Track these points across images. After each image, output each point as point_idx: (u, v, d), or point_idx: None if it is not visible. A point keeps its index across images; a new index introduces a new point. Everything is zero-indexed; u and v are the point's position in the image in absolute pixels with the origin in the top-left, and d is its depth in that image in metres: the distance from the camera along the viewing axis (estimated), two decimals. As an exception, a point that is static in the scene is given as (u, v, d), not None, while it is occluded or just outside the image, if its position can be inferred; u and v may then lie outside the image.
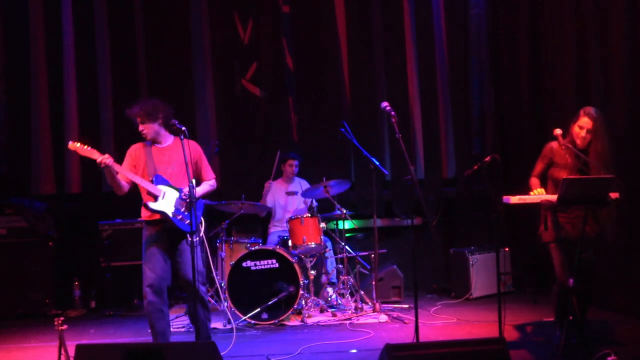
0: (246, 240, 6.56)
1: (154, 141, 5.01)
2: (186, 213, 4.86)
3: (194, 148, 5.01)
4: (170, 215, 4.82)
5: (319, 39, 7.84)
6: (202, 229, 5.03)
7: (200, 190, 4.99)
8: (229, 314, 6.07)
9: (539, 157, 4.98)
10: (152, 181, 4.85)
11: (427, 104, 7.87)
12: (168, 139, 5.07)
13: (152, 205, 4.78)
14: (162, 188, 4.85)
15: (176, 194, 4.89)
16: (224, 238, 6.52)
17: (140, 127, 4.96)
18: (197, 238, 4.77)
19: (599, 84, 6.30)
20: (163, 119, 4.96)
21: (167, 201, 4.83)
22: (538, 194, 4.69)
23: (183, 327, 6.09)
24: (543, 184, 4.90)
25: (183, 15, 7.71)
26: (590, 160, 4.72)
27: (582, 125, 4.77)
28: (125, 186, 4.90)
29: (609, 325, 5.57)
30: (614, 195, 4.57)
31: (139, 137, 7.55)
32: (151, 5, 7.70)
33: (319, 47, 7.84)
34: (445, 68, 7.92)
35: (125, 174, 4.78)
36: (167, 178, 4.92)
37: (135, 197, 6.69)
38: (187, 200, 4.77)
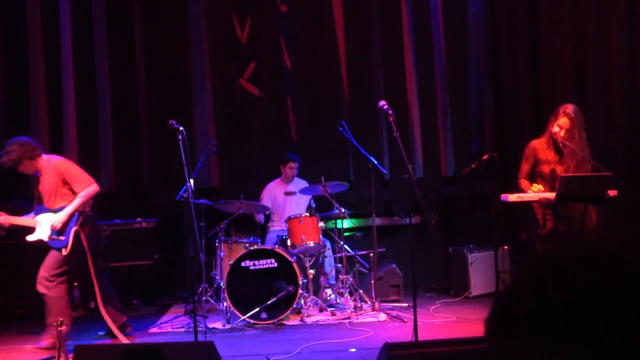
0: (245, 240, 6.55)
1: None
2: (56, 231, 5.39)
3: (55, 168, 5.41)
4: (47, 239, 5.36)
5: (317, 38, 7.84)
6: (71, 239, 5.36)
7: (71, 207, 5.32)
8: (228, 314, 6.07)
9: (523, 158, 5.01)
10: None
11: (425, 102, 7.87)
12: (41, 165, 5.46)
13: (29, 237, 5.41)
14: (40, 218, 5.40)
15: (51, 217, 5.36)
16: (222, 238, 6.51)
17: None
18: (66, 249, 5.33)
19: (597, 83, 6.32)
20: (23, 157, 5.37)
21: (43, 227, 5.37)
22: (537, 192, 4.70)
23: (182, 327, 6.08)
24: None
25: (181, 14, 7.70)
26: (578, 151, 4.74)
27: (561, 125, 4.81)
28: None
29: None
30: (612, 193, 4.58)
31: (138, 137, 7.63)
32: (149, 5, 7.69)
33: (317, 47, 7.84)
34: (444, 67, 7.92)
35: (10, 221, 5.49)
36: (46, 205, 5.42)
37: (133, 199, 6.67)
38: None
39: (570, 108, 4.84)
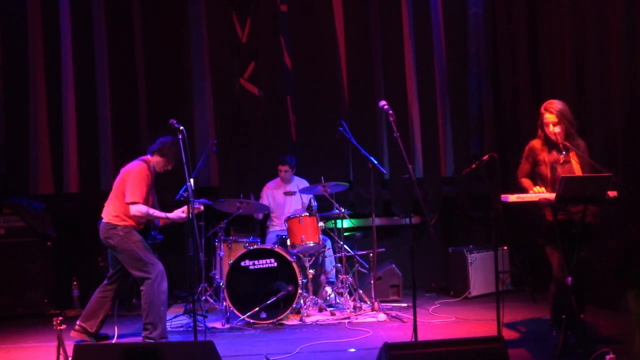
0: (244, 240, 6.55)
1: None
2: None
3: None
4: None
5: (317, 38, 7.83)
6: None
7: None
8: (228, 313, 6.07)
9: (523, 158, 5.00)
10: None
11: (425, 102, 7.87)
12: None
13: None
14: None
15: None
16: (222, 237, 6.52)
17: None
18: None
19: (597, 83, 6.32)
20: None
21: None
22: (537, 192, 4.69)
23: (181, 326, 6.08)
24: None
25: (181, 14, 7.69)
26: (576, 150, 4.75)
27: (547, 121, 4.81)
28: None
29: (607, 324, 5.58)
30: (612, 193, 4.58)
31: (138, 137, 7.63)
32: (149, 4, 7.68)
33: (317, 46, 7.83)
34: (444, 66, 7.91)
35: None
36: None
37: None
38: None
39: (551, 102, 4.85)
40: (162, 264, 5.44)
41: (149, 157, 5.59)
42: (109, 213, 5.46)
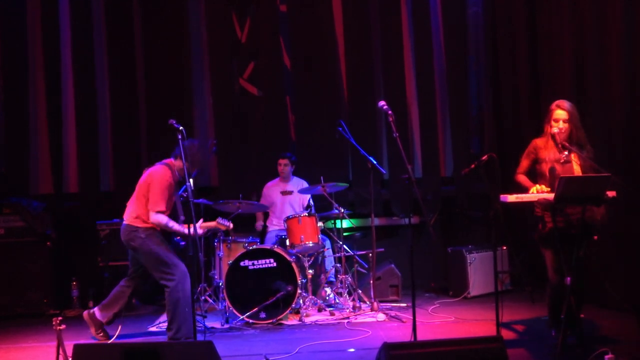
0: (244, 240, 6.54)
1: None
2: None
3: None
4: None
5: (316, 38, 7.84)
6: None
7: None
8: (227, 313, 6.07)
9: (524, 154, 5.01)
10: None
11: (424, 102, 7.87)
12: None
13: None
14: None
15: None
16: (221, 237, 6.52)
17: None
18: None
19: (597, 82, 6.32)
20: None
21: None
22: (536, 192, 4.69)
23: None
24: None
25: (180, 14, 7.70)
26: (577, 152, 4.75)
27: (557, 117, 4.82)
28: None
29: (606, 324, 5.58)
30: (611, 193, 4.58)
31: (137, 137, 7.63)
32: (149, 4, 7.68)
33: (316, 46, 7.84)
34: (443, 66, 7.91)
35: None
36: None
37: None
38: None
39: (562, 101, 4.86)
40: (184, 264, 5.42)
41: (172, 160, 5.51)
42: (130, 215, 5.43)
